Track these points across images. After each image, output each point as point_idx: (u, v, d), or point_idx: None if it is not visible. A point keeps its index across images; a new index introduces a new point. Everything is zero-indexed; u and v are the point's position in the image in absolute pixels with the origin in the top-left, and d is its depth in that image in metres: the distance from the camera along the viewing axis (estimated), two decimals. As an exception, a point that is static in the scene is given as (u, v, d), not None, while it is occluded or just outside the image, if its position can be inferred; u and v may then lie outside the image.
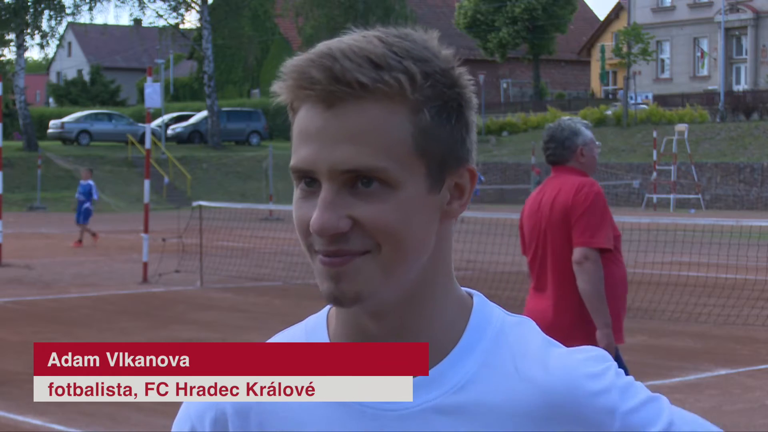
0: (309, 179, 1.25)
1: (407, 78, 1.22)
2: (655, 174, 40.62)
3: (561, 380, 1.28)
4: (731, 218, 20.31)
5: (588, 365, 1.29)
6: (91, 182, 24.13)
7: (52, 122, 50.53)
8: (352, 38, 1.26)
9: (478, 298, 1.35)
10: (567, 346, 1.33)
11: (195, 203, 18.02)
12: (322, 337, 1.34)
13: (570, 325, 5.21)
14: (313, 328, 1.37)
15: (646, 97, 52.74)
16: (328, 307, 1.37)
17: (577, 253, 5.17)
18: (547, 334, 1.34)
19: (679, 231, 19.18)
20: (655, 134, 41.78)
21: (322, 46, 1.25)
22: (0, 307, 13.91)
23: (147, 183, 17.65)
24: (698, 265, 17.39)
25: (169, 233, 20.17)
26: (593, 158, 5.43)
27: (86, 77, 74.33)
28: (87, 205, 23.62)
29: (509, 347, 1.30)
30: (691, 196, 40.20)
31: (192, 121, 52.05)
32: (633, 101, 49.70)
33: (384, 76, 1.22)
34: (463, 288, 1.36)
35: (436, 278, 1.31)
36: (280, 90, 1.27)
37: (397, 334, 1.29)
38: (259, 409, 1.32)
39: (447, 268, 1.32)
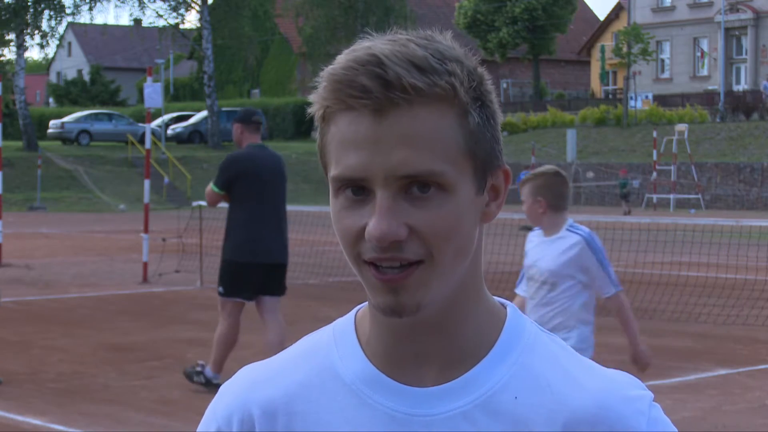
0: (356, 188, 1.22)
1: (458, 81, 1.22)
2: (655, 174, 40.61)
3: (595, 399, 1.26)
4: (731, 218, 20.30)
5: (624, 388, 1.28)
6: None
7: (52, 122, 50.56)
8: (385, 42, 1.22)
9: (512, 309, 1.34)
10: None
11: (195, 203, 17.99)
12: (352, 342, 1.32)
13: None
14: (342, 333, 1.34)
15: (646, 97, 52.69)
16: (355, 310, 1.35)
17: None
18: None
19: (679, 231, 19.18)
20: (655, 134, 41.76)
21: (360, 52, 1.21)
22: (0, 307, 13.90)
23: (147, 183, 17.63)
24: (698, 265, 17.37)
25: (169, 233, 20.15)
26: None
27: (86, 77, 74.35)
28: None
29: (542, 361, 1.29)
30: (691, 196, 40.20)
31: (192, 121, 52.08)
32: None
33: (437, 80, 1.20)
34: (495, 297, 1.34)
35: (474, 282, 1.29)
36: (324, 100, 1.23)
37: (435, 340, 1.28)
38: (287, 410, 1.31)
39: (480, 272, 1.31)
